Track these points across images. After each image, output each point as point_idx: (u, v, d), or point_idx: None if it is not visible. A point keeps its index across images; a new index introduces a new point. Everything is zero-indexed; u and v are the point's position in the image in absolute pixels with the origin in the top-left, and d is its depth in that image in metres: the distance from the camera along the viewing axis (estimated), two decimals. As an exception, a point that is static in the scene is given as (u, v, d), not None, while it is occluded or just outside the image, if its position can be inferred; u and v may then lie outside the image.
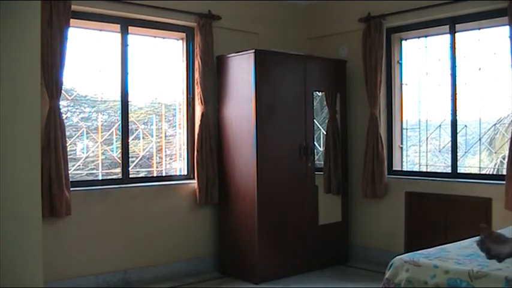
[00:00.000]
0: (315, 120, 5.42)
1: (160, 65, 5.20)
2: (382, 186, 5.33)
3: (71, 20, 4.33)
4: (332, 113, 5.61)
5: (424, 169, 5.43)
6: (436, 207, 5.00)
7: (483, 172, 5.03)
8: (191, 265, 5.12)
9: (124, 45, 4.87)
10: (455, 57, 5.03)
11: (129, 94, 4.91)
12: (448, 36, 5.07)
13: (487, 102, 4.92)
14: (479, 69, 4.94)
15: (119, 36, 4.85)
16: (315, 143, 5.43)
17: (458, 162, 5.07)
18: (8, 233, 3.24)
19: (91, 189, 4.62)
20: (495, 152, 5.10)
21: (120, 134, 4.88)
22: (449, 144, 5.11)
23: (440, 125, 5.28)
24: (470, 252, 3.12)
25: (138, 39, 5.05)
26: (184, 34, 5.24)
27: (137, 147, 5.10)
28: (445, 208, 4.92)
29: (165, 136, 5.29)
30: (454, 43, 5.03)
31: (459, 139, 5.08)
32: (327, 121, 5.65)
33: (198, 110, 5.11)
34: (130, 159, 4.93)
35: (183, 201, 5.11)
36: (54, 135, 4.22)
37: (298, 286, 4.76)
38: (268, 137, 4.89)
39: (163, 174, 5.25)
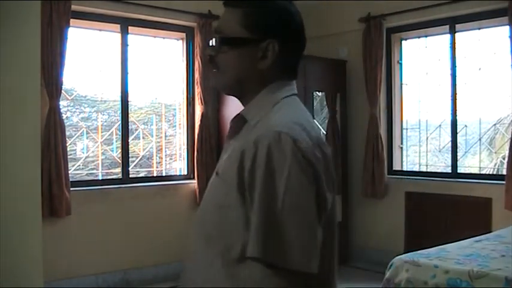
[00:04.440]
0: (315, 121, 5.42)
1: (160, 65, 5.20)
2: (382, 186, 5.33)
3: (71, 20, 4.33)
4: (332, 113, 5.61)
5: (424, 169, 5.43)
6: (436, 207, 5.00)
7: (483, 172, 5.03)
8: (191, 265, 5.11)
9: (124, 45, 4.87)
10: (455, 57, 5.02)
11: (129, 94, 4.91)
12: (448, 36, 5.07)
13: (487, 102, 4.92)
14: (479, 69, 4.94)
15: (118, 36, 4.85)
16: (315, 143, 5.42)
17: (458, 162, 5.07)
18: (8, 233, 3.23)
19: (91, 189, 4.62)
20: (495, 152, 5.11)
21: (120, 134, 4.88)
22: (449, 144, 5.11)
23: (440, 125, 5.28)
24: (470, 252, 3.13)
25: (138, 39, 5.05)
26: (184, 34, 5.24)
27: (137, 147, 5.10)
28: (445, 208, 4.92)
29: (165, 136, 5.29)
30: (454, 43, 5.03)
31: (459, 139, 5.08)
32: (327, 121, 5.65)
33: (198, 110, 5.11)
34: (130, 159, 4.93)
35: (183, 201, 5.11)
36: (54, 135, 4.22)
37: (298, 286, 4.75)
38: (268, 137, 4.88)
39: (163, 174, 5.25)
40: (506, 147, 4.60)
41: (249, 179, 1.12)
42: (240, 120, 1.26)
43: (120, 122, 4.87)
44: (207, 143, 5.08)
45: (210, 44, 1.29)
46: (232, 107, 5.07)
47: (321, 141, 1.19)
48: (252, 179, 1.12)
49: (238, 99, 1.31)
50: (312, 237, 1.10)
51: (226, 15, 1.28)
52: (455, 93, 5.02)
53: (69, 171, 4.39)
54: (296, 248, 1.08)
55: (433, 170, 5.37)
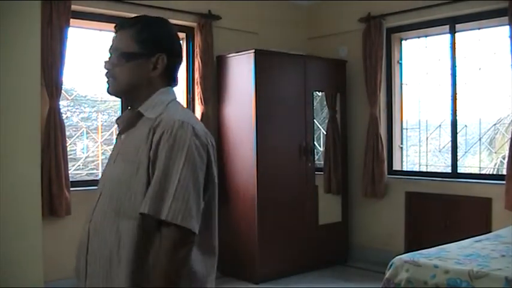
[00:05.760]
0: (315, 120, 5.42)
1: (160, 65, 5.19)
2: (382, 186, 5.33)
3: (71, 20, 4.32)
4: (332, 113, 5.61)
5: (424, 169, 5.44)
6: (436, 207, 5.00)
7: (483, 172, 5.03)
8: (191, 265, 5.11)
9: (124, 45, 4.86)
10: (455, 57, 5.02)
11: (129, 94, 4.90)
12: (448, 36, 5.07)
13: (487, 102, 4.92)
14: (479, 69, 4.94)
15: (118, 36, 4.84)
16: (315, 143, 5.43)
17: (458, 162, 5.07)
18: (8, 232, 3.24)
19: (91, 189, 4.61)
20: (495, 152, 5.11)
21: (120, 134, 4.87)
22: (449, 144, 5.11)
23: (440, 125, 5.28)
24: (470, 252, 3.13)
25: (138, 39, 5.04)
26: (184, 34, 5.24)
27: (137, 147, 5.10)
28: (445, 208, 4.92)
29: (165, 136, 5.29)
30: (454, 43, 5.03)
31: (459, 139, 5.08)
32: (327, 121, 5.65)
33: (198, 110, 5.10)
34: (130, 159, 4.93)
35: (183, 201, 5.09)
36: (54, 135, 4.21)
37: (298, 286, 4.76)
38: (268, 137, 4.89)
39: (163, 174, 5.24)
40: (506, 147, 4.60)
41: (154, 155, 1.47)
42: (135, 115, 1.59)
43: (120, 122, 4.87)
44: (207, 143, 5.07)
45: (106, 60, 1.61)
46: (233, 106, 5.07)
47: (208, 133, 1.58)
48: (157, 155, 1.46)
49: (130, 101, 1.64)
50: (197, 204, 1.48)
51: (120, 35, 1.59)
52: (455, 93, 5.02)
53: (69, 171, 4.39)
54: (183, 210, 1.44)
55: (433, 170, 5.37)
